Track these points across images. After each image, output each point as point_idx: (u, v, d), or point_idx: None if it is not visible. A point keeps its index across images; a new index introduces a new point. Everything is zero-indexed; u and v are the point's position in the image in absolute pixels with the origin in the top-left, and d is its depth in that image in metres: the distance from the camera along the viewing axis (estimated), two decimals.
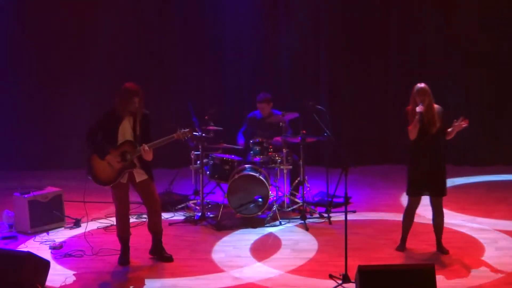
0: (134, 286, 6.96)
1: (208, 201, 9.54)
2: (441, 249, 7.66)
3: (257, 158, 9.18)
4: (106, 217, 9.04)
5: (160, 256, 7.65)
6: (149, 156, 7.35)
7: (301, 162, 9.20)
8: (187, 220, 9.02)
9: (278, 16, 11.91)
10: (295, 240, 8.25)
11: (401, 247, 7.79)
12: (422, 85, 7.39)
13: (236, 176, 8.89)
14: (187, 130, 7.65)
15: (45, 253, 7.74)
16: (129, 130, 7.40)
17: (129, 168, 7.39)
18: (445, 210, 8.49)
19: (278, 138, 9.26)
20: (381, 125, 11.96)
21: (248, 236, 8.41)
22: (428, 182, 7.50)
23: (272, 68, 11.98)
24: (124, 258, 7.57)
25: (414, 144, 7.46)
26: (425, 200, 9.71)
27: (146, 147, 7.31)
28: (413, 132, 7.39)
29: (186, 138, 7.82)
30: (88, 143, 7.41)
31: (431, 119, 7.36)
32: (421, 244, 7.98)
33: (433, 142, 7.43)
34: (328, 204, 9.14)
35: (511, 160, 11.66)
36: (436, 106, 7.43)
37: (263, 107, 9.77)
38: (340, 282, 6.80)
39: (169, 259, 7.62)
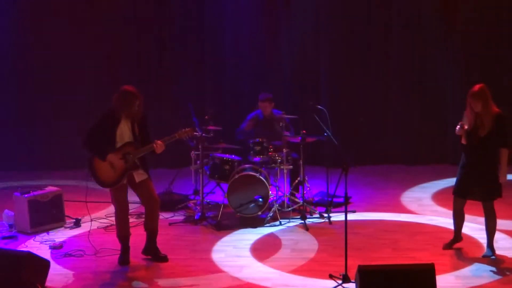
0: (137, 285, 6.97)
1: (208, 201, 9.53)
2: (489, 253, 7.49)
3: (257, 158, 9.18)
4: (106, 217, 9.04)
5: (155, 256, 7.64)
6: (161, 149, 7.37)
7: (301, 162, 9.20)
8: (187, 220, 9.02)
9: (279, 16, 11.91)
10: (295, 240, 8.25)
11: (448, 245, 7.73)
12: (476, 88, 7.27)
13: (236, 176, 8.89)
14: (188, 129, 7.66)
15: (45, 253, 7.74)
16: (127, 132, 7.40)
17: (132, 170, 7.39)
18: (444, 210, 8.52)
19: (287, 133, 9.23)
20: (381, 125, 11.95)
21: (248, 236, 8.41)
22: (474, 185, 7.40)
23: (272, 68, 11.98)
24: (124, 258, 7.57)
25: (466, 145, 7.39)
26: (425, 200, 9.76)
27: (160, 142, 7.34)
28: (462, 138, 7.40)
29: (187, 137, 7.84)
30: (87, 148, 7.41)
31: (483, 123, 7.23)
32: (421, 244, 7.98)
33: (482, 145, 7.28)
34: (328, 204, 9.14)
35: (510, 160, 11.62)
36: (495, 110, 7.28)
37: (265, 106, 9.78)
38: (340, 282, 6.80)
39: (164, 259, 7.61)
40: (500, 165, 7.32)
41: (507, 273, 7.11)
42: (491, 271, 7.17)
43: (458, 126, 7.33)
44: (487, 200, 7.47)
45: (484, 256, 7.50)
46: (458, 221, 7.68)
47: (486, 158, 7.33)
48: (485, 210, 7.53)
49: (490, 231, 7.56)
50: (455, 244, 7.72)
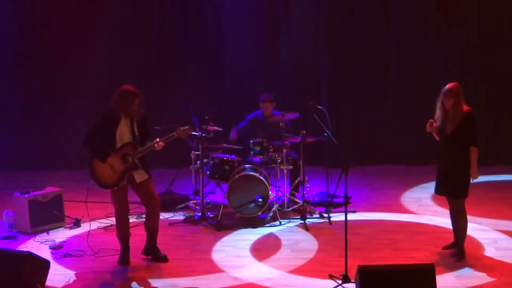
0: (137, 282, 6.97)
1: (208, 201, 9.53)
2: (459, 255, 7.47)
3: (257, 158, 9.18)
4: (106, 217, 9.04)
5: (155, 256, 7.64)
6: (160, 147, 7.38)
7: (301, 162, 9.20)
8: (187, 220, 9.02)
9: (278, 15, 11.91)
10: (295, 240, 8.25)
11: (446, 246, 7.73)
12: (450, 86, 7.34)
13: (236, 176, 8.89)
14: (187, 127, 7.64)
15: (45, 253, 7.74)
16: (127, 132, 7.39)
17: (132, 170, 7.39)
18: (444, 210, 8.50)
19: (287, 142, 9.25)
20: (381, 125, 11.95)
21: (248, 236, 8.41)
22: (443, 182, 7.47)
23: (272, 68, 11.98)
24: (124, 258, 7.57)
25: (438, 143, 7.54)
26: (425, 200, 9.77)
27: (160, 141, 7.34)
28: (435, 136, 7.53)
29: (186, 135, 7.83)
30: (87, 149, 7.41)
31: (451, 120, 7.30)
32: (421, 244, 7.98)
33: (448, 142, 7.36)
34: (328, 204, 9.14)
35: (511, 160, 11.66)
36: (465, 108, 7.32)
37: (266, 106, 9.79)
38: (340, 282, 6.80)
39: (164, 259, 7.61)
40: (471, 163, 7.33)
41: (507, 273, 7.11)
42: (491, 271, 7.17)
43: (428, 124, 7.41)
44: (451, 197, 7.50)
45: (455, 260, 7.42)
46: (452, 222, 7.67)
47: (452, 155, 7.35)
48: (450, 208, 7.56)
49: (460, 231, 7.52)
50: (454, 248, 7.70)
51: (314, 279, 7.05)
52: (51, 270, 6.94)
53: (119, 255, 7.61)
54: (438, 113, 7.43)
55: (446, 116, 7.35)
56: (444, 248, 7.71)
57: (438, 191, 7.59)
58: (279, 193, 9.28)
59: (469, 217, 7.96)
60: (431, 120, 7.43)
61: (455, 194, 7.45)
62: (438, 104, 7.40)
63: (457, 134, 7.30)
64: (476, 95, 11.66)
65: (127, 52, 11.84)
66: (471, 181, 7.42)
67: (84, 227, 8.59)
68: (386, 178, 11.11)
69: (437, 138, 7.53)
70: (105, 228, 8.74)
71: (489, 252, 7.70)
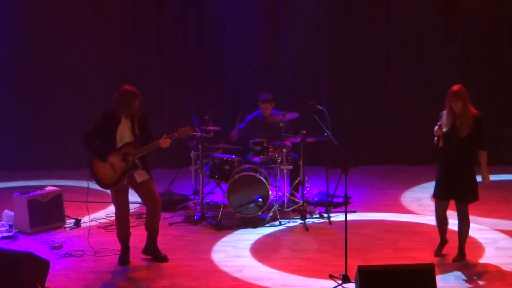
0: (137, 285, 6.97)
1: (208, 201, 9.53)
2: (459, 257, 7.41)
3: (257, 158, 9.18)
4: (106, 217, 9.04)
5: (155, 256, 7.64)
6: (166, 144, 7.39)
7: (301, 162, 9.20)
8: (187, 220, 9.01)
9: (278, 15, 11.90)
10: (295, 240, 8.25)
11: (437, 251, 7.61)
12: (456, 88, 7.22)
13: (236, 176, 8.89)
14: (188, 127, 7.65)
15: (45, 253, 7.74)
16: (127, 132, 7.39)
17: (132, 170, 7.39)
18: None
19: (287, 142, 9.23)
20: (381, 125, 11.95)
21: (248, 236, 8.41)
22: (452, 186, 7.30)
23: (272, 67, 11.97)
24: (124, 258, 7.57)
25: (443, 146, 7.28)
26: (425, 200, 9.77)
27: (167, 138, 7.36)
28: (439, 142, 7.31)
29: (187, 135, 7.83)
30: (87, 149, 7.41)
31: (463, 123, 7.17)
32: (421, 244, 7.98)
33: (462, 146, 7.20)
34: (328, 204, 9.14)
35: (511, 160, 11.65)
36: (473, 111, 7.23)
37: (266, 107, 9.78)
38: (340, 282, 6.80)
39: (164, 259, 7.61)
40: (481, 167, 7.26)
41: (508, 273, 7.11)
42: (491, 271, 7.17)
43: (437, 127, 7.25)
44: (462, 202, 7.36)
45: (454, 261, 7.39)
46: (442, 225, 7.56)
47: (464, 159, 7.23)
48: (459, 212, 7.41)
49: (463, 234, 7.45)
50: (443, 247, 7.61)
51: (314, 279, 7.05)
52: (51, 270, 6.95)
53: (119, 255, 7.61)
54: (445, 117, 7.26)
55: (455, 119, 7.21)
56: (436, 254, 7.58)
57: (444, 195, 7.38)
58: (279, 193, 9.28)
59: (469, 217, 7.97)
60: (440, 123, 7.27)
61: (463, 199, 7.33)
62: (446, 108, 7.25)
63: (469, 138, 7.18)
64: (476, 95, 11.66)
65: (127, 52, 11.84)
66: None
67: (84, 227, 8.58)
68: (386, 178, 11.11)
69: (441, 143, 7.29)
70: (105, 228, 8.73)
71: (489, 252, 7.71)
